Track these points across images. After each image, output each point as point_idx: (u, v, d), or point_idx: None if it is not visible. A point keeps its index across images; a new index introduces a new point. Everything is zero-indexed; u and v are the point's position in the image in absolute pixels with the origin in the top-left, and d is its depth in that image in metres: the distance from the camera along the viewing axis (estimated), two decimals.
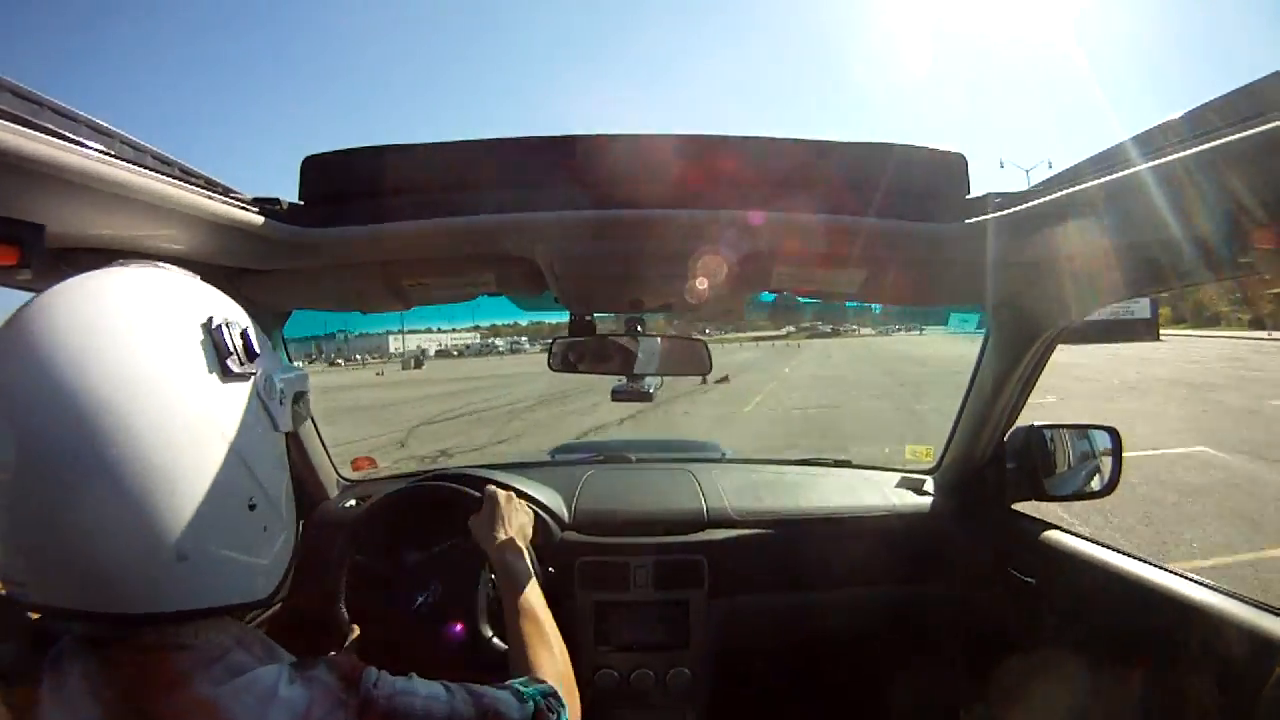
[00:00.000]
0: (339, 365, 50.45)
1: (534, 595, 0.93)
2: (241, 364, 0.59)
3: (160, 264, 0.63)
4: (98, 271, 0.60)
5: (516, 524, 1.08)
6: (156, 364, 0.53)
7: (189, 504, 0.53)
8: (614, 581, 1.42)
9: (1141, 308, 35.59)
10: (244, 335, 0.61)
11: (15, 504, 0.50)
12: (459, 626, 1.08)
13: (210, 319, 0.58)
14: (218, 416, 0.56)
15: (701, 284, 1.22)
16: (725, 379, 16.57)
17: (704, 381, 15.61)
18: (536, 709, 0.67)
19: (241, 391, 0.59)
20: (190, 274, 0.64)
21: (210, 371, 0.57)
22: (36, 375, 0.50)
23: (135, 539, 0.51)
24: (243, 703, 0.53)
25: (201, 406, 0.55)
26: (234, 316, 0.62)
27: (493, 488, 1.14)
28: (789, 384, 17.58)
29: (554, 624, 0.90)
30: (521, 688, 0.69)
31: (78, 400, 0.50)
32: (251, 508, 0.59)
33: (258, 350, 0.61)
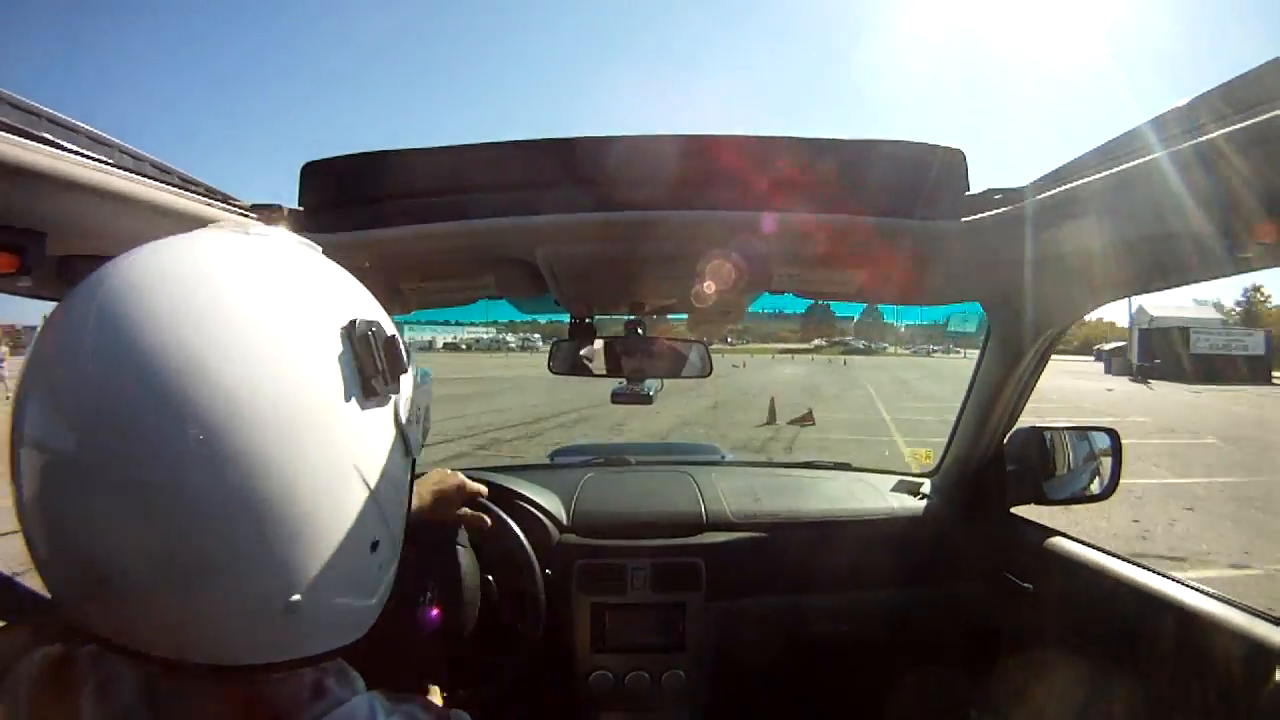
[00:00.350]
0: None
1: None
2: (386, 384, 0.48)
3: (280, 230, 0.54)
4: (208, 237, 0.50)
5: None
6: (291, 382, 0.43)
7: (307, 551, 0.44)
8: (611, 584, 1.41)
9: (1256, 343, 29.89)
10: (389, 345, 0.49)
11: (87, 515, 0.40)
12: (435, 612, 1.07)
13: (354, 323, 0.47)
14: (355, 449, 0.46)
15: (701, 285, 1.21)
16: (808, 418, 11.32)
17: (772, 419, 11.34)
18: None
19: (382, 418, 0.48)
20: (314, 247, 0.53)
21: (349, 397, 0.45)
22: (138, 390, 0.39)
23: (242, 588, 0.42)
24: None
25: (338, 437, 0.45)
26: (377, 318, 0.50)
27: None
28: (928, 439, 8.71)
29: None
30: None
31: (188, 422, 0.39)
32: (374, 548, 0.49)
33: (406, 365, 0.50)
